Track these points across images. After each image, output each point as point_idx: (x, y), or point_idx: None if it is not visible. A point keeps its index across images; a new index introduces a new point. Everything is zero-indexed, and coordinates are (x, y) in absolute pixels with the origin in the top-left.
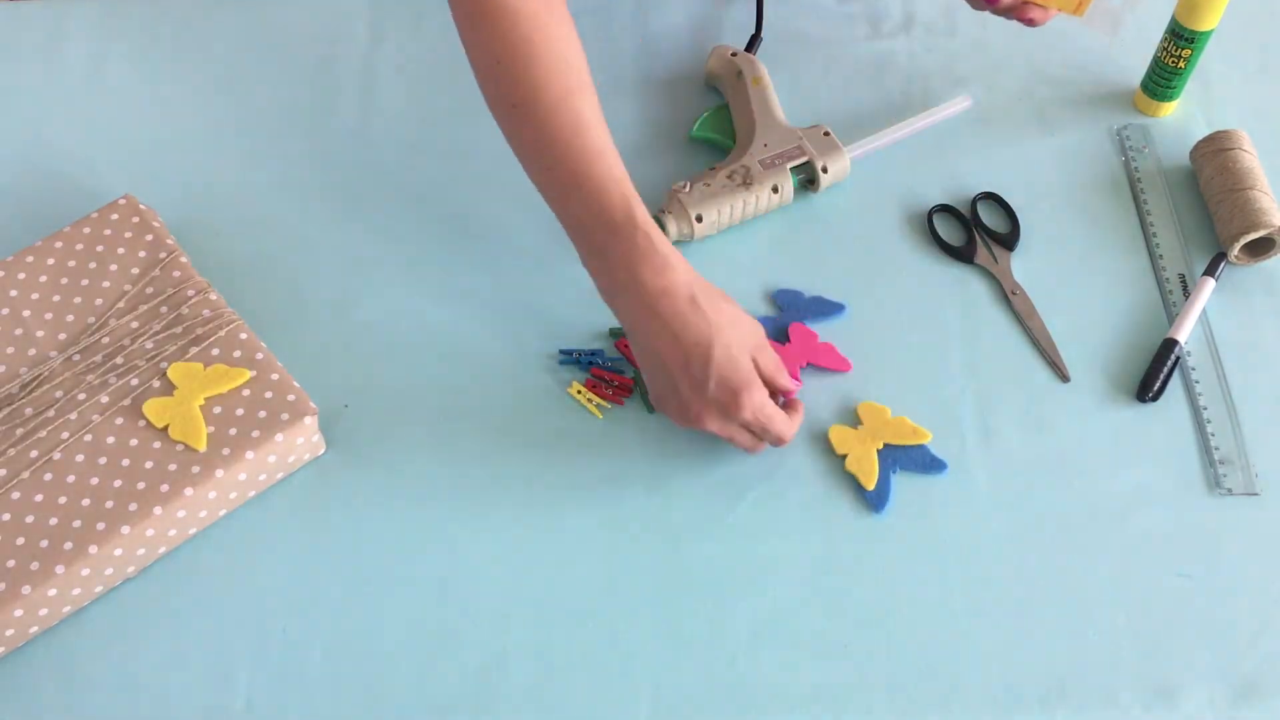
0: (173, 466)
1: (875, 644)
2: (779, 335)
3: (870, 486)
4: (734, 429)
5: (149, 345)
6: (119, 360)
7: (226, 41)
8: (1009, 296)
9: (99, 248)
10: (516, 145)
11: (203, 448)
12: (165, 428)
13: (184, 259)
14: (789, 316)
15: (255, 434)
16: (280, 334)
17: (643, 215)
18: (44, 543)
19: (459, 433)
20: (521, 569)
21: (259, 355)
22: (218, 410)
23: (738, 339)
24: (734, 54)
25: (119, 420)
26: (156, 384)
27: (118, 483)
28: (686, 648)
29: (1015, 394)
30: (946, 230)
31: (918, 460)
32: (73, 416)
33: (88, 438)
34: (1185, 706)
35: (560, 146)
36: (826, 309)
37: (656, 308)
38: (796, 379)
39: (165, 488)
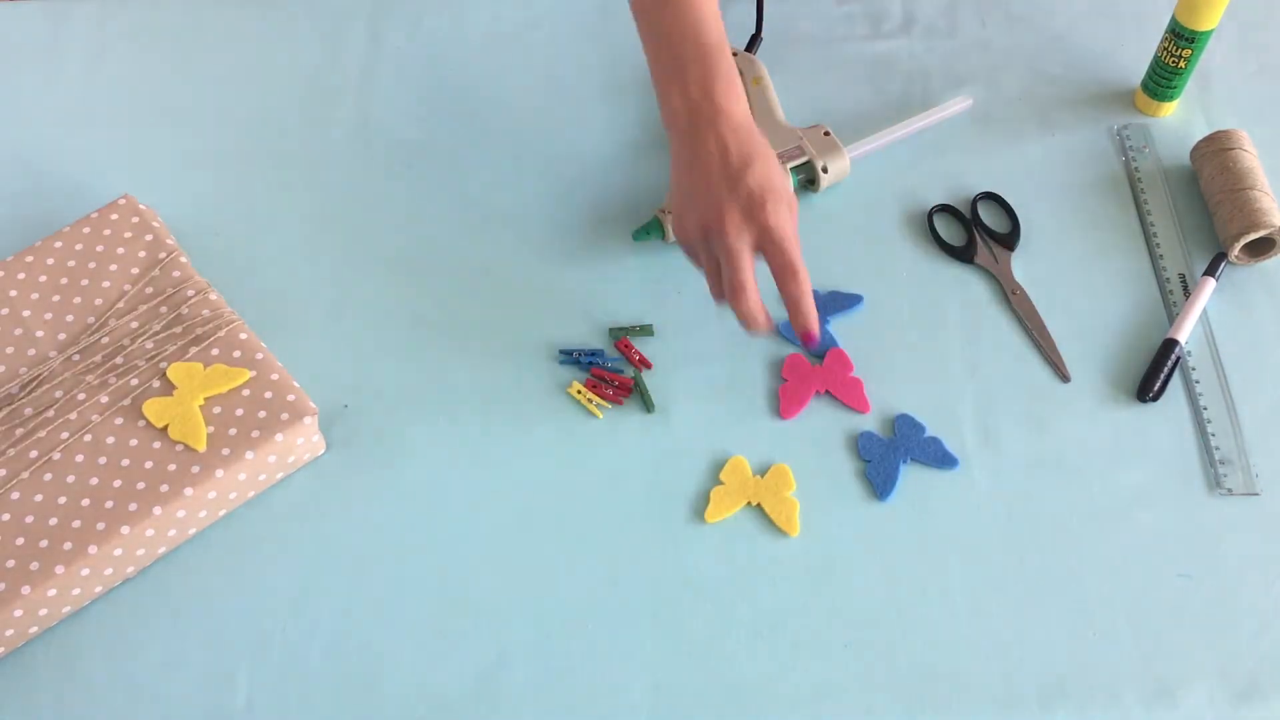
0: (172, 466)
1: (875, 643)
2: (819, 354)
3: (794, 532)
4: (740, 246)
5: (149, 345)
6: (119, 360)
7: (226, 41)
8: (1009, 296)
9: (99, 248)
10: None
11: (202, 447)
12: (165, 428)
13: (184, 259)
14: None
15: (255, 434)
16: (280, 334)
17: (728, 52)
18: (44, 543)
19: (459, 433)
20: (521, 569)
21: (259, 355)
22: (218, 410)
23: (781, 172)
24: (734, 54)
25: (119, 420)
26: (156, 384)
27: (117, 483)
28: (686, 648)
29: (1015, 394)
30: (946, 230)
31: (931, 453)
32: (72, 416)
33: (87, 438)
34: (1185, 706)
35: None
36: (845, 302)
37: (718, 122)
38: (803, 402)
39: (165, 488)
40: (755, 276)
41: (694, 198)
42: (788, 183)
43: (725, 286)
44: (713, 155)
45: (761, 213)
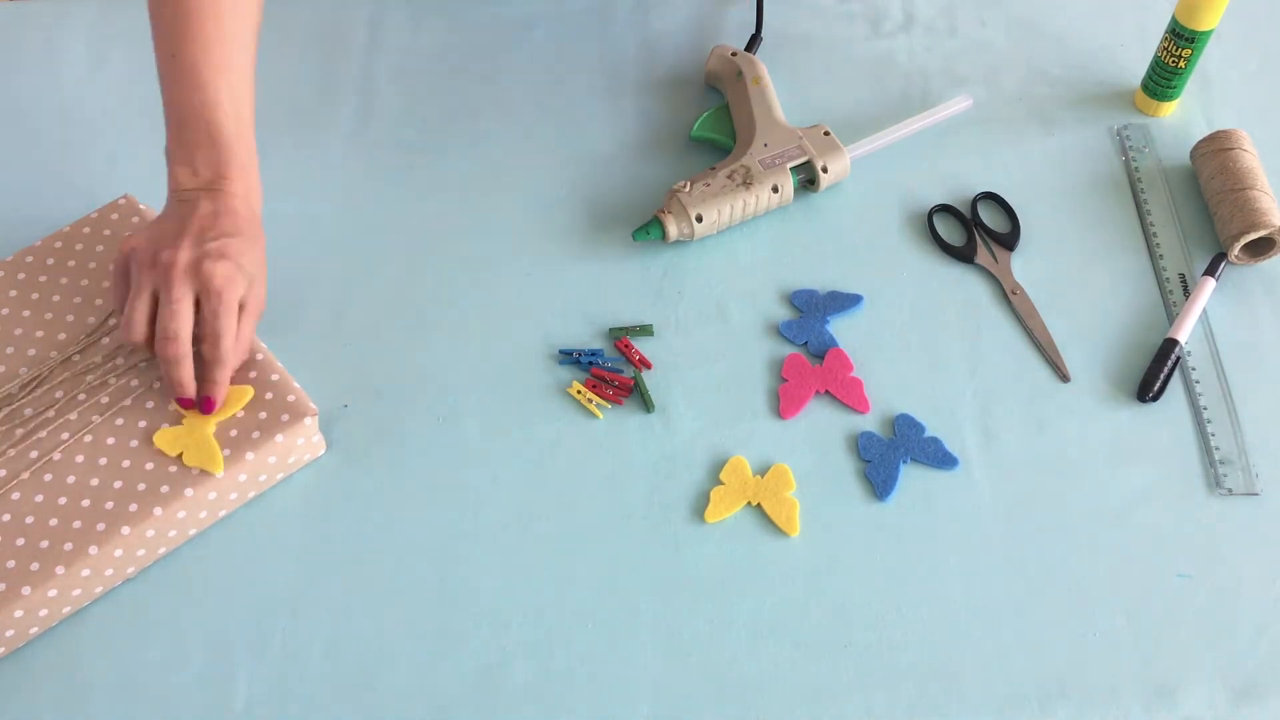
0: (173, 467)
1: (875, 644)
2: (819, 354)
3: (794, 532)
4: (184, 291)
5: None
6: (119, 361)
7: None
8: (1009, 296)
9: (99, 248)
10: (155, 14)
11: (219, 471)
12: (179, 456)
13: None
14: (810, 317)
15: (255, 435)
16: (280, 334)
17: (249, 136)
18: (44, 543)
19: (459, 433)
20: (521, 569)
21: (259, 355)
22: None
23: (259, 263)
24: (734, 54)
25: (119, 421)
26: (171, 407)
27: (118, 483)
28: (686, 648)
29: (1015, 394)
30: (946, 230)
31: (931, 453)
32: (73, 417)
33: (88, 438)
34: (1185, 706)
35: (189, 38)
36: (845, 303)
37: (218, 200)
38: (803, 402)
39: (165, 488)
40: (186, 326)
41: (162, 236)
42: (261, 277)
43: (158, 329)
44: (202, 215)
45: (217, 267)
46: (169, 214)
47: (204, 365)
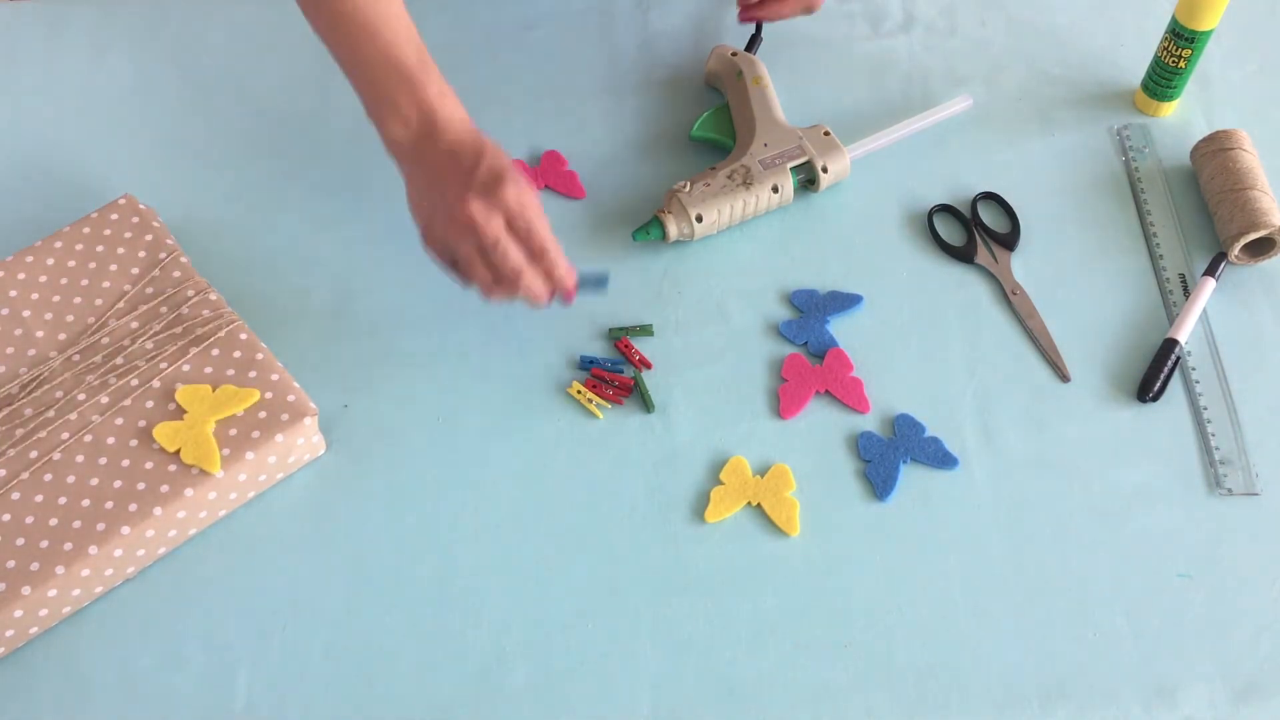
0: (173, 467)
1: (875, 644)
2: (819, 354)
3: (794, 532)
4: (497, 229)
5: (149, 345)
6: (119, 360)
7: (226, 41)
8: (1009, 296)
9: (99, 248)
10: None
11: (217, 470)
12: (177, 452)
13: (184, 259)
14: (810, 317)
15: (255, 434)
16: (280, 334)
17: (428, 58)
18: (44, 543)
19: (459, 433)
20: (521, 569)
21: (259, 355)
22: None
23: (507, 157)
24: (734, 54)
25: (119, 420)
26: (171, 407)
27: (118, 483)
28: (686, 648)
29: (1015, 394)
30: (946, 230)
31: (931, 453)
32: (72, 417)
33: (87, 438)
34: (1185, 706)
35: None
36: (845, 302)
37: (439, 136)
38: (803, 402)
39: (165, 488)
40: (520, 254)
41: (438, 208)
42: (509, 161)
43: (498, 275)
44: (445, 165)
45: (501, 192)
46: (420, 185)
47: (544, 267)
